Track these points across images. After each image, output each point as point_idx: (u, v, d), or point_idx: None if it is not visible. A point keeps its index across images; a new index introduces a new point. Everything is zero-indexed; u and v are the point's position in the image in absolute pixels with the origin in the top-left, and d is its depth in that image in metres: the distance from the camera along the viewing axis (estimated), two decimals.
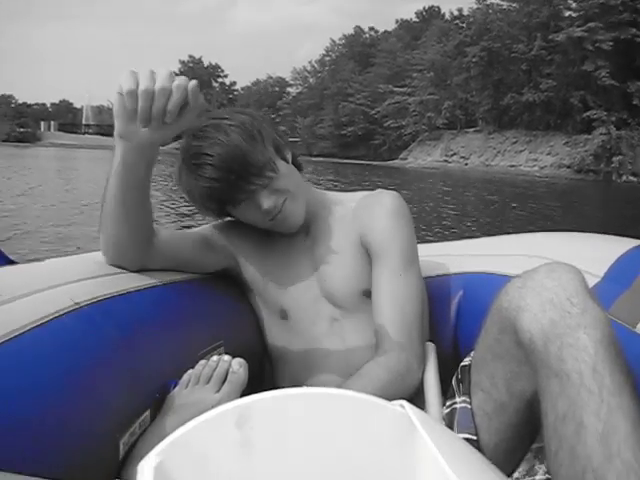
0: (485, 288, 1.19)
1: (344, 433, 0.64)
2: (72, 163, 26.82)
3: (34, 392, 0.78)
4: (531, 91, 42.25)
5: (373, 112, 56.47)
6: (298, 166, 1.27)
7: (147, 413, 0.98)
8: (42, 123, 73.88)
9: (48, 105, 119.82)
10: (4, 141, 51.47)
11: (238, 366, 1.05)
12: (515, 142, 42.92)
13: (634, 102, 37.77)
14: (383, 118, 54.99)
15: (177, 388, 1.03)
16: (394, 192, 1.26)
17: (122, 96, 0.90)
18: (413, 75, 52.55)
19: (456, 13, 56.14)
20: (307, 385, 1.21)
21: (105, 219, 1.07)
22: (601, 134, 36.45)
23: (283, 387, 1.24)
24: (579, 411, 0.70)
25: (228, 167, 1.11)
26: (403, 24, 69.79)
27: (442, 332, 1.32)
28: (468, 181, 25.99)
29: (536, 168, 39.25)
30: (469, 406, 0.94)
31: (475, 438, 0.91)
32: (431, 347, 1.20)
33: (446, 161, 45.94)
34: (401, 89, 53.43)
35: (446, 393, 1.05)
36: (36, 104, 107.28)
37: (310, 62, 75.51)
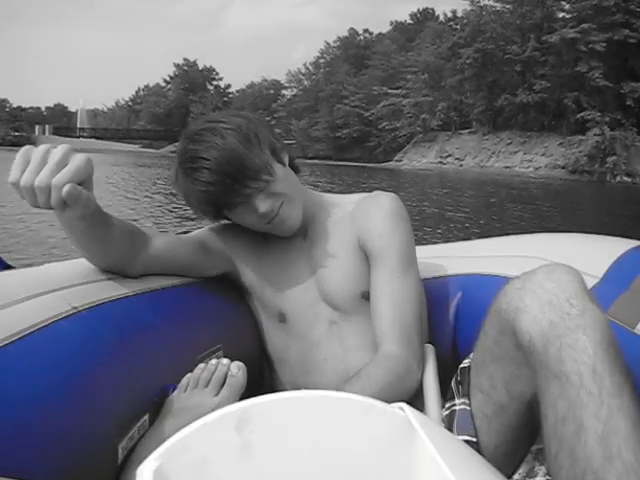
0: (484, 290, 1.19)
1: (343, 436, 0.63)
2: None
3: (32, 397, 0.78)
4: (525, 92, 42.33)
5: (368, 114, 56.47)
6: (295, 169, 1.27)
7: (146, 417, 0.98)
8: (37, 127, 73.68)
9: (43, 109, 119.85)
10: None
11: (237, 369, 1.05)
12: (510, 143, 42.97)
13: (628, 103, 37.90)
14: (378, 120, 54.99)
15: (176, 392, 1.03)
16: (392, 194, 1.26)
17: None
18: (407, 77, 52.57)
19: (450, 15, 56.41)
20: (306, 388, 1.20)
21: (84, 256, 1.08)
22: (595, 135, 36.52)
23: (282, 390, 1.23)
24: (579, 412, 0.70)
25: (224, 171, 1.10)
26: (397, 26, 69.95)
27: (441, 334, 1.32)
28: (463, 182, 26.02)
29: (531, 169, 39.31)
30: (468, 408, 0.94)
31: (475, 440, 0.91)
32: (430, 349, 1.20)
33: (441, 163, 45.98)
34: (395, 91, 53.44)
35: (445, 395, 1.05)
36: (31, 108, 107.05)
37: (305, 64, 75.57)
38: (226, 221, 1.28)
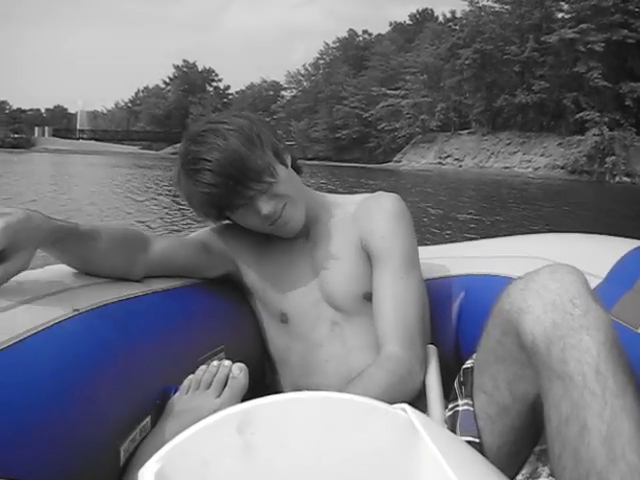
0: (487, 290, 1.19)
1: (346, 437, 0.63)
2: (67, 168, 26.76)
3: (33, 399, 0.78)
4: (524, 93, 42.30)
5: (367, 115, 56.43)
6: (297, 170, 1.26)
7: (148, 419, 0.98)
8: (36, 129, 73.60)
9: (42, 111, 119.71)
10: None
11: (238, 371, 1.05)
12: (509, 144, 42.96)
13: (627, 103, 37.89)
14: (377, 121, 54.96)
15: (177, 394, 1.03)
16: (394, 194, 1.26)
17: None
18: (406, 78, 52.55)
19: (449, 16, 56.39)
20: (308, 389, 1.20)
21: (79, 271, 1.08)
22: (594, 135, 36.50)
23: (284, 391, 1.23)
24: (582, 413, 0.70)
25: (226, 172, 1.10)
26: (397, 27, 69.93)
27: (444, 334, 1.31)
28: (463, 183, 26.04)
29: (530, 169, 39.30)
30: (472, 409, 0.94)
31: (478, 441, 0.91)
32: (433, 350, 1.19)
33: (440, 163, 45.96)
34: (395, 92, 53.42)
35: (448, 396, 1.04)
36: (30, 110, 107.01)
37: (304, 66, 75.55)
38: (228, 222, 1.28)
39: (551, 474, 0.86)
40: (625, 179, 34.62)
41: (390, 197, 1.25)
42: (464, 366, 1.02)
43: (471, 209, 12.84)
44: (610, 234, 1.32)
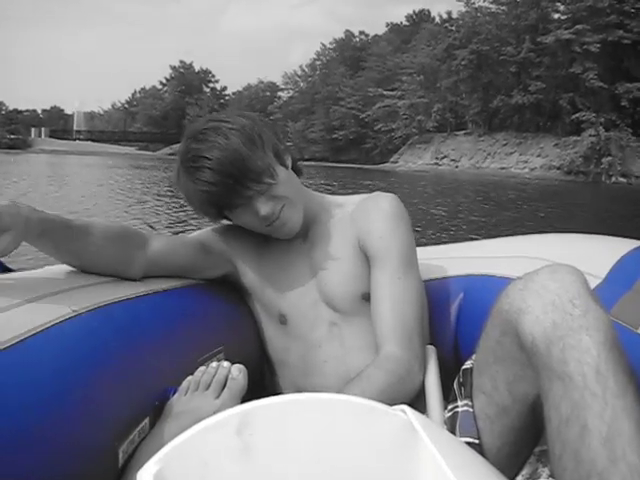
0: (486, 290, 1.19)
1: (345, 439, 0.63)
2: (63, 169, 26.73)
3: (32, 401, 0.77)
4: (520, 93, 42.39)
5: (364, 116, 56.48)
6: (298, 171, 1.26)
7: (146, 421, 0.98)
8: (33, 129, 73.52)
9: (39, 111, 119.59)
10: None
11: (237, 372, 1.04)
12: (505, 144, 43.03)
13: (622, 103, 37.97)
14: (374, 122, 55.01)
15: (176, 395, 1.03)
16: (392, 195, 1.26)
17: None
18: (403, 78, 52.62)
19: (445, 16, 56.39)
20: (306, 390, 1.20)
21: (76, 268, 1.10)
22: (590, 136, 36.58)
23: (283, 393, 1.23)
24: (583, 414, 0.69)
25: (226, 171, 1.10)
26: (393, 28, 70.00)
27: (443, 335, 1.31)
28: (460, 183, 26.08)
29: (526, 170, 39.37)
30: (471, 410, 0.93)
31: (477, 442, 0.91)
32: (432, 350, 1.19)
33: (437, 164, 46.00)
34: (391, 92, 53.47)
35: (447, 397, 1.04)
36: (27, 110, 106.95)
37: (301, 66, 75.51)
38: (227, 222, 1.28)
39: (551, 475, 0.86)
40: (621, 180, 34.71)
41: (388, 197, 1.24)
42: (463, 367, 1.01)
43: (468, 210, 12.86)
44: (607, 235, 1.32)
